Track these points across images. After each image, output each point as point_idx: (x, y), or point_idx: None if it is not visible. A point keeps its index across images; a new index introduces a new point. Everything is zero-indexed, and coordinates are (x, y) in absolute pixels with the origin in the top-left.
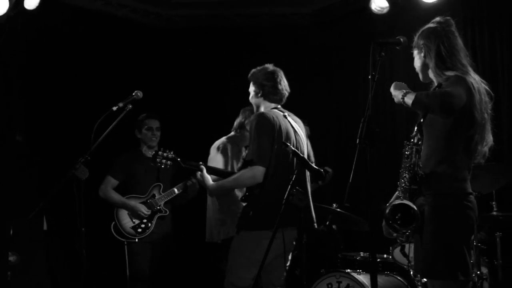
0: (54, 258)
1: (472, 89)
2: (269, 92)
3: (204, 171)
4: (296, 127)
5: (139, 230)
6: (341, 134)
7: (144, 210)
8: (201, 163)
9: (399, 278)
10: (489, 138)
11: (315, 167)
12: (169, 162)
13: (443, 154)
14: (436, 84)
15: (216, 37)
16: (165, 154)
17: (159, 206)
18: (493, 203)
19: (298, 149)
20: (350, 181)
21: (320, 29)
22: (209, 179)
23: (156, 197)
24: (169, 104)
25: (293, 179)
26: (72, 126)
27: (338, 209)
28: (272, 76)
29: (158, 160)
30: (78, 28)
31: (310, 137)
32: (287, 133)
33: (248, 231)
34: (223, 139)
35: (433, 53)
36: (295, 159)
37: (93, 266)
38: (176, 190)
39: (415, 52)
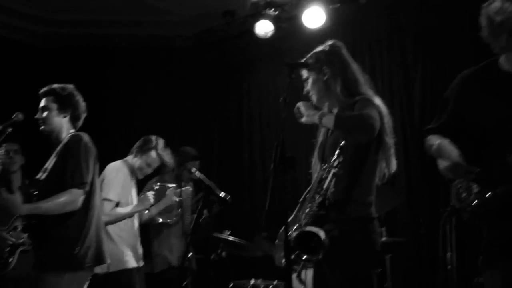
0: None
1: (381, 112)
2: (75, 116)
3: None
4: None
5: None
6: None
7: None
8: None
9: None
10: (393, 162)
11: (222, 193)
12: None
13: (352, 179)
14: (337, 107)
15: (96, 57)
16: None
17: (22, 238)
18: (383, 228)
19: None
20: (267, 208)
21: (202, 51)
22: (15, 199)
23: (19, 229)
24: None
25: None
26: None
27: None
28: (79, 100)
29: None
30: None
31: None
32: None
33: (73, 272)
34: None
35: (339, 76)
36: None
37: None
38: None
39: (311, 74)
